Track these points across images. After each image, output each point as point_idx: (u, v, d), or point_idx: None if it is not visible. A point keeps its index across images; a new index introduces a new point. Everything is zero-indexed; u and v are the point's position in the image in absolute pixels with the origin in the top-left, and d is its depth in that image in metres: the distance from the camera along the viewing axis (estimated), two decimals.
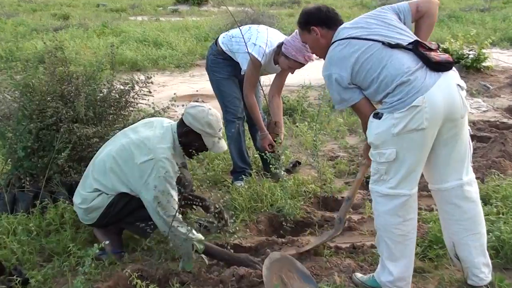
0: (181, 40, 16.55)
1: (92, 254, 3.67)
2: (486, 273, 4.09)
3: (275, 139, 6.22)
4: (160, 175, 4.30)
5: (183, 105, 5.45)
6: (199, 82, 12.36)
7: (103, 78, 6.12)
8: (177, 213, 4.32)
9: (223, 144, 4.70)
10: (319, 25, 4.15)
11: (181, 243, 4.38)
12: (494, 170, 6.36)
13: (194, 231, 4.43)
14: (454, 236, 4.08)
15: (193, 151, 4.57)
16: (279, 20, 19.66)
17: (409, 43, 3.82)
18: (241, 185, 6.19)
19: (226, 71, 6.31)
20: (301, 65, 5.87)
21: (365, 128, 4.01)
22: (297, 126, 8.48)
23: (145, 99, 5.99)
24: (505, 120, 8.98)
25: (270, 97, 6.46)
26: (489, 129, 8.37)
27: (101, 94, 5.85)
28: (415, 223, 4.02)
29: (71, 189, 5.31)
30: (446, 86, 3.73)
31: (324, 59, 4.11)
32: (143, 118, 5.89)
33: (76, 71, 6.11)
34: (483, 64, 11.68)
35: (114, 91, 5.91)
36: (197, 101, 10.01)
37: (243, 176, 6.32)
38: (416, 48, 3.78)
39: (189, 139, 4.53)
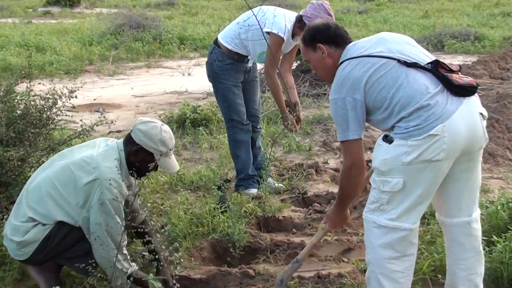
0: (63, 44, 15.72)
1: None
2: None
3: (296, 120, 6.16)
4: (105, 198, 3.82)
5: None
6: (94, 89, 11.72)
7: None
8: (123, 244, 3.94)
9: (176, 164, 4.27)
10: (326, 43, 3.69)
11: (122, 279, 3.95)
12: None
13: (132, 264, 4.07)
14: (454, 269, 3.74)
15: (142, 171, 4.06)
16: (160, 22, 19.05)
17: (428, 63, 3.45)
18: (256, 191, 6.09)
19: (234, 78, 6.07)
20: None
21: (346, 176, 3.61)
22: (214, 138, 7.97)
23: (68, 115, 5.36)
24: None
25: (283, 75, 6.15)
26: None
27: (19, 111, 5.15)
28: (413, 260, 3.62)
29: None
30: (468, 114, 3.36)
31: (327, 81, 3.76)
32: (69, 136, 5.31)
33: None
34: None
35: (33, 107, 5.22)
36: (98, 111, 9.52)
37: (255, 184, 6.21)
38: (436, 69, 3.40)
39: (139, 158, 4.02)
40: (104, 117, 5.34)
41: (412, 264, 3.60)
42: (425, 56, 3.53)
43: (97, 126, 5.29)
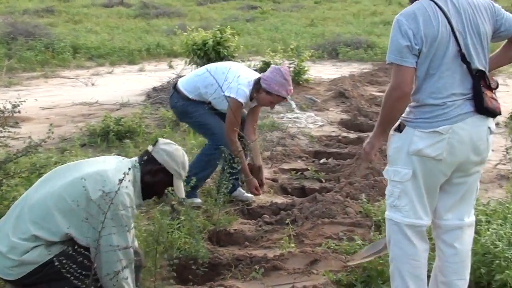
0: None
1: None
2: None
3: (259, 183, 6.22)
4: (118, 212, 3.61)
5: None
6: None
7: None
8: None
9: (183, 189, 4.21)
10: None
11: None
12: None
13: None
14: (442, 273, 3.84)
15: (154, 192, 4.02)
16: (50, 30, 18.49)
17: (476, 70, 3.49)
18: (200, 202, 6.09)
19: (202, 107, 6.03)
20: (283, 99, 5.93)
21: (388, 99, 3.54)
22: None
23: (11, 132, 5.05)
24: (345, 134, 9.06)
25: (247, 137, 6.23)
26: (337, 144, 8.36)
27: None
28: (427, 254, 3.80)
29: None
30: (478, 125, 3.51)
31: None
32: (15, 154, 4.98)
33: None
34: (303, 77, 11.71)
35: None
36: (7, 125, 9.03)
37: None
38: (478, 81, 3.47)
39: (157, 179, 3.92)
40: (52, 132, 4.96)
41: (426, 258, 3.77)
42: (480, 60, 3.53)
43: (45, 142, 5.00)
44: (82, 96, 11.54)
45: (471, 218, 3.81)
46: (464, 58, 3.44)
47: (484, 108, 3.44)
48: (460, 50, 3.43)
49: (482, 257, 4.18)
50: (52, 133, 4.97)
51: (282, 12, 30.84)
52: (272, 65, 5.99)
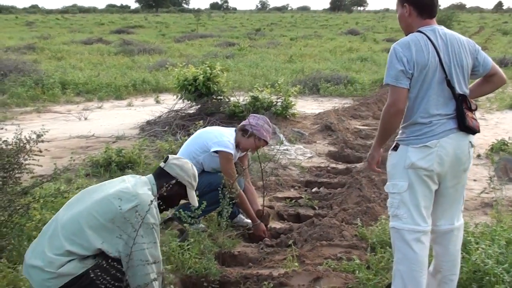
0: None
1: None
2: None
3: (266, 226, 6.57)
4: (147, 221, 3.97)
5: None
6: None
7: None
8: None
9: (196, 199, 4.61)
10: (412, 5, 4.17)
11: None
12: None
13: None
14: (436, 269, 4.41)
15: (170, 204, 4.46)
16: (37, 66, 18.81)
17: (459, 94, 4.06)
18: (203, 227, 6.35)
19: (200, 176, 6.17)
20: (266, 143, 6.49)
21: (385, 115, 4.09)
22: None
23: (36, 160, 5.40)
24: (333, 165, 9.44)
25: (247, 185, 6.67)
26: (327, 174, 8.76)
27: None
28: (427, 260, 4.22)
29: None
30: (460, 139, 4.08)
31: (403, 32, 4.30)
32: (41, 180, 5.35)
33: None
34: (290, 111, 12.15)
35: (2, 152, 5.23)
36: None
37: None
38: (461, 103, 4.05)
39: (172, 192, 4.29)
40: (74, 160, 5.34)
41: (426, 263, 4.22)
42: (461, 87, 4.12)
43: (68, 170, 5.35)
44: (77, 129, 11.91)
45: (460, 222, 4.37)
46: (449, 84, 4.03)
47: (465, 126, 4.03)
48: (446, 77, 4.02)
49: (473, 275, 4.64)
50: (74, 160, 5.37)
51: (260, 48, 31.37)
52: (253, 114, 6.50)
